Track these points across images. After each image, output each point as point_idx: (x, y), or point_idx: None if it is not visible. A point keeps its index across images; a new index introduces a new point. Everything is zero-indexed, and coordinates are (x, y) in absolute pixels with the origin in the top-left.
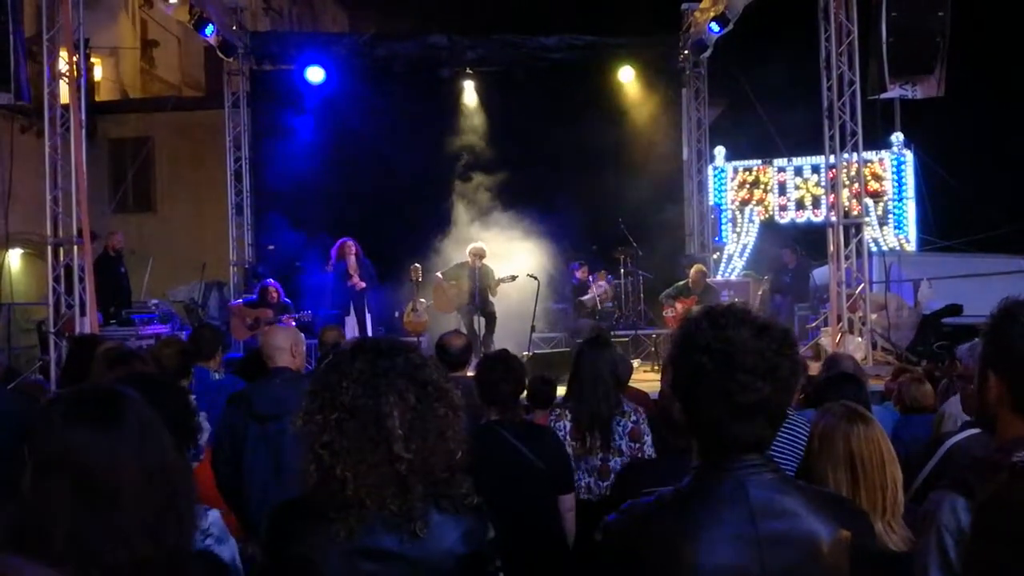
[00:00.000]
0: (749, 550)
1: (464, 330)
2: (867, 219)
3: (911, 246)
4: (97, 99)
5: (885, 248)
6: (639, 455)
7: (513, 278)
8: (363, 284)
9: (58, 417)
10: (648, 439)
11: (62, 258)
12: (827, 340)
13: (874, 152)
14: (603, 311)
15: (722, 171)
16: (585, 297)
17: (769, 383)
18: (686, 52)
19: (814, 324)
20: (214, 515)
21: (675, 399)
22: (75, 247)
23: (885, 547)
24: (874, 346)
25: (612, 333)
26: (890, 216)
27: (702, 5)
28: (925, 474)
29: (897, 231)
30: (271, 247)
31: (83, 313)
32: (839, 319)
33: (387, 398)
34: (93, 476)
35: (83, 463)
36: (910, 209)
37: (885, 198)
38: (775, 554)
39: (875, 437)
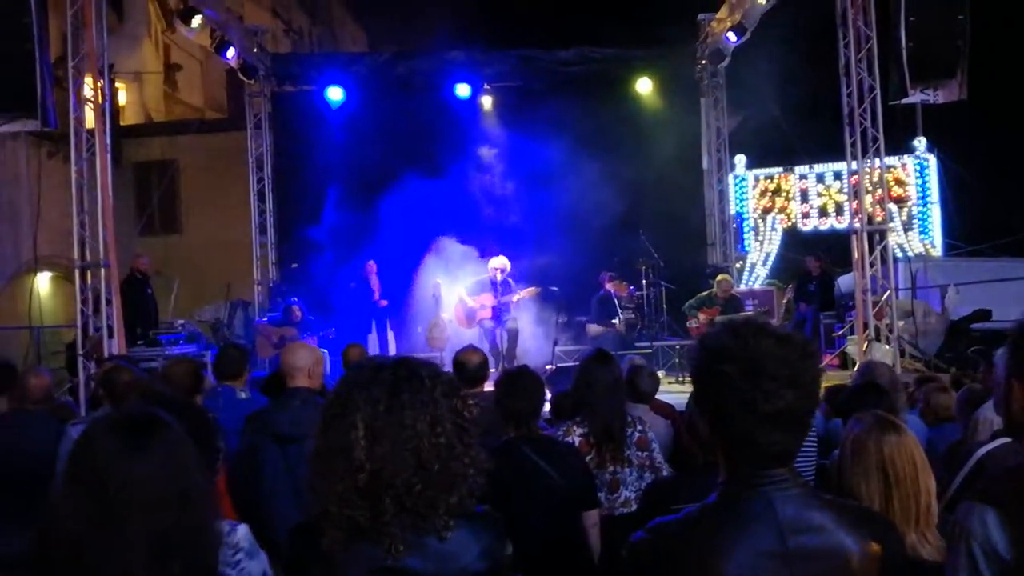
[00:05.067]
0: (778, 566)
1: (486, 345)
2: (891, 225)
3: (937, 251)
4: (122, 123)
5: (910, 254)
6: (647, 463)
7: (535, 291)
8: (386, 302)
9: (98, 439)
10: (655, 446)
11: (89, 281)
12: (854, 348)
13: (896, 157)
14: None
15: (743, 179)
16: (592, 327)
17: (793, 390)
18: (704, 62)
19: (840, 332)
20: (243, 529)
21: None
22: (102, 270)
23: (919, 557)
24: (902, 353)
25: (634, 345)
26: (915, 221)
27: (719, 15)
28: (958, 483)
29: (922, 236)
30: (294, 265)
31: (111, 335)
32: (865, 327)
33: (355, 406)
34: (120, 494)
35: (112, 482)
36: (935, 214)
37: (909, 203)
38: (804, 569)
39: (908, 446)
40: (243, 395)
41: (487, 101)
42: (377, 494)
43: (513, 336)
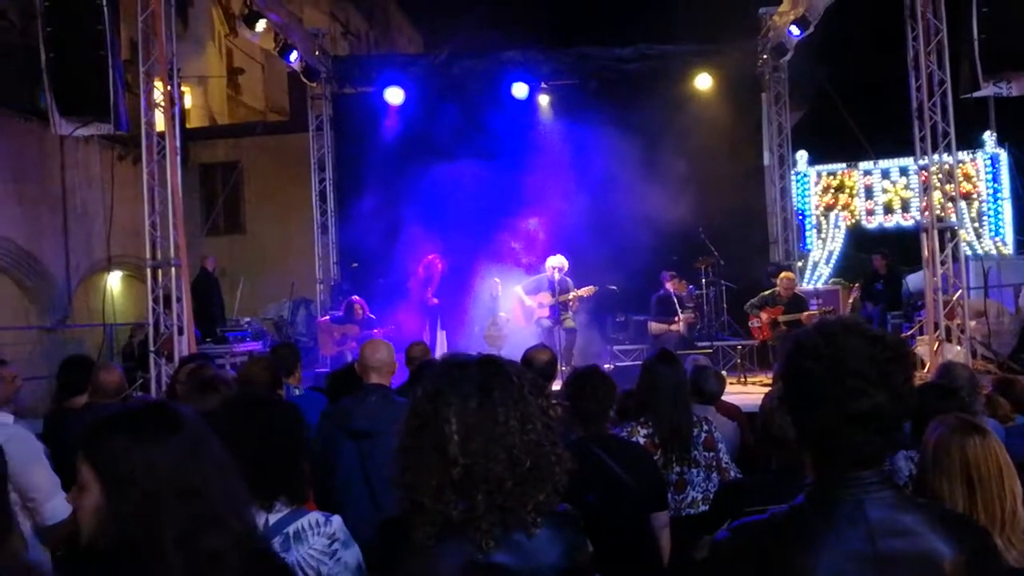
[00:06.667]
0: (867, 569)
1: (544, 343)
2: (962, 222)
3: (1008, 249)
4: (187, 126)
5: (980, 252)
6: (714, 464)
7: (592, 290)
8: (436, 300)
9: (114, 432)
10: (722, 447)
11: (160, 280)
12: (923, 349)
13: (966, 152)
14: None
15: (805, 176)
16: (654, 325)
17: (884, 391)
18: (765, 56)
19: (909, 333)
20: (337, 520)
21: (779, 414)
22: (172, 269)
23: (1006, 563)
24: (973, 355)
25: (695, 344)
26: (985, 218)
27: (780, 8)
28: None
29: (993, 234)
30: (355, 265)
31: (181, 332)
32: (936, 327)
33: (447, 402)
34: (146, 486)
35: (136, 474)
36: (1006, 210)
37: (978, 200)
38: (894, 574)
39: (992, 448)
40: (298, 391)
41: (544, 100)
42: (470, 489)
43: (571, 335)
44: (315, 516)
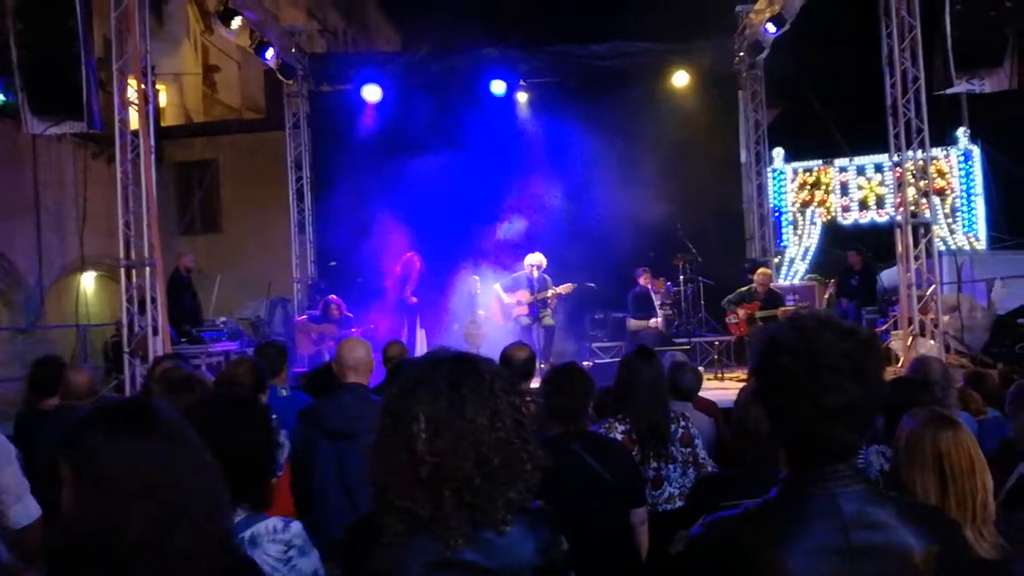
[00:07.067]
0: (841, 563)
1: (523, 341)
2: (935, 218)
3: (981, 245)
4: (162, 124)
5: (953, 247)
6: (691, 460)
7: (571, 288)
8: (415, 299)
9: (92, 428)
10: (699, 443)
11: (134, 280)
12: (897, 344)
13: (939, 148)
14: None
15: (781, 173)
16: (632, 322)
17: (857, 384)
18: (741, 54)
19: (883, 328)
20: (297, 526)
21: (753, 409)
22: (147, 269)
23: (975, 555)
24: (947, 349)
25: (672, 341)
26: (958, 214)
27: (757, 6)
28: (1014, 481)
29: (966, 229)
30: (332, 264)
31: (155, 333)
32: (910, 322)
33: (417, 400)
34: (120, 483)
35: (112, 471)
36: (979, 206)
37: (952, 196)
38: (867, 566)
39: (964, 441)
40: (284, 392)
41: (523, 97)
42: (438, 487)
43: (549, 333)
44: (273, 522)
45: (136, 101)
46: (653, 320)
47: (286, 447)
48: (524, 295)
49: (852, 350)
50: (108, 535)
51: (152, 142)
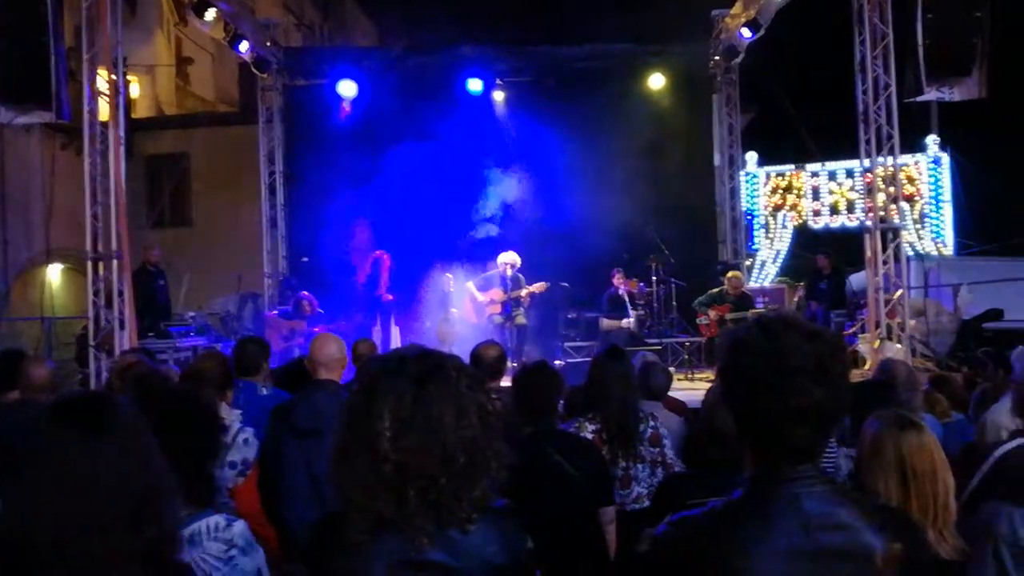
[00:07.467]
0: (804, 563)
1: (495, 339)
2: (904, 223)
3: (949, 250)
4: (134, 116)
5: (922, 252)
6: (659, 460)
7: (544, 287)
8: (391, 297)
9: (46, 422)
10: (668, 442)
11: (102, 273)
12: (865, 347)
13: (910, 155)
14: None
15: (754, 177)
16: (605, 321)
17: (822, 387)
18: (717, 58)
19: (851, 330)
20: (240, 526)
21: (720, 409)
22: (114, 261)
23: (937, 556)
24: (913, 353)
25: (644, 341)
26: (927, 220)
27: (733, 11)
28: (976, 483)
29: (934, 235)
30: (304, 259)
31: (122, 327)
32: (877, 325)
33: (381, 397)
34: (74, 477)
35: (64, 465)
36: (947, 213)
37: (920, 202)
38: (829, 566)
39: (926, 443)
40: (264, 391)
41: (499, 96)
42: (402, 486)
43: (522, 332)
44: (216, 519)
45: (106, 92)
46: (625, 320)
47: (254, 446)
48: (497, 294)
49: (817, 352)
50: (31, 533)
51: (122, 133)
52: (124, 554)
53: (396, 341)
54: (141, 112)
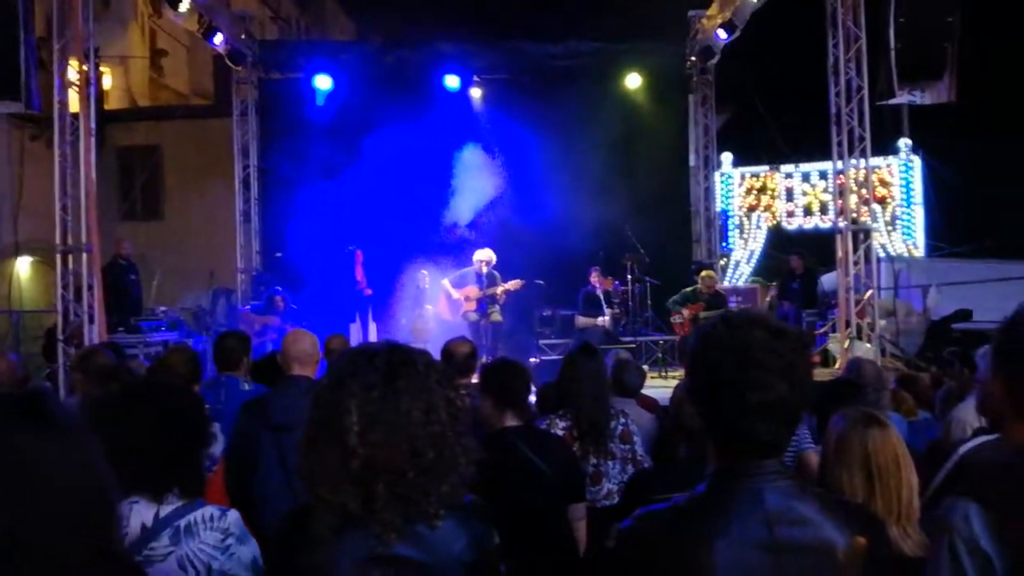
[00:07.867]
0: (766, 557)
1: (470, 337)
2: (875, 225)
3: (919, 252)
4: (106, 107)
5: (893, 254)
6: (630, 456)
7: (520, 284)
8: (371, 291)
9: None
10: (638, 440)
11: (71, 266)
12: (835, 346)
13: (882, 158)
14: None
15: (729, 177)
16: (580, 319)
17: (786, 382)
18: (693, 59)
19: (822, 330)
20: (233, 515)
21: (687, 404)
22: (84, 255)
23: (900, 552)
24: (883, 352)
25: (618, 339)
26: (898, 222)
27: (709, 12)
28: (940, 480)
29: (905, 237)
30: (278, 254)
31: (91, 321)
32: (848, 325)
33: (349, 392)
34: (19, 474)
35: (16, 464)
36: (918, 215)
37: (892, 204)
38: (791, 561)
39: (891, 441)
40: (246, 386)
41: (477, 92)
42: (370, 481)
43: (497, 329)
44: (210, 510)
45: (77, 83)
46: (601, 318)
47: (219, 442)
48: (473, 291)
49: (782, 348)
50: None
51: (93, 125)
52: (77, 555)
53: (374, 337)
54: (114, 104)
